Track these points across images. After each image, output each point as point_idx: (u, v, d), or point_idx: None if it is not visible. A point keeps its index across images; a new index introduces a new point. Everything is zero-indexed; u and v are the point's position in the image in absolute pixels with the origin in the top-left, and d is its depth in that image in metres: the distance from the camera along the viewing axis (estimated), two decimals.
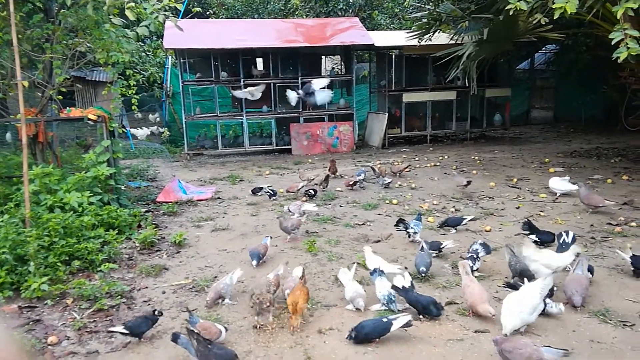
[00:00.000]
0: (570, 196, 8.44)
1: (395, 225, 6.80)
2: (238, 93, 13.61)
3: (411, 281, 4.79)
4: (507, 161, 12.19)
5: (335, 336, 4.29)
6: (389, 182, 9.69)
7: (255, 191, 9.42)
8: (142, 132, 17.02)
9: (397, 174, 10.41)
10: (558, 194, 8.49)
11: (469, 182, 9.14)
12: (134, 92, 8.19)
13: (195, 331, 3.76)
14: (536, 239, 6.26)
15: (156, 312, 4.33)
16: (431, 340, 4.20)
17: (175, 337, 3.93)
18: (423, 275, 5.30)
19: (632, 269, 5.27)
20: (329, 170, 10.55)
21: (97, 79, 16.79)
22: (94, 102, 16.72)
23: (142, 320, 4.26)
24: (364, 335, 4.09)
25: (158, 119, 19.54)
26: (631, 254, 5.31)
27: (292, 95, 13.49)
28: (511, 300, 4.24)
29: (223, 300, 4.95)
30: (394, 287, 4.70)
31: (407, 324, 4.14)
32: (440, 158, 12.87)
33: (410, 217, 7.19)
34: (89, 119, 7.36)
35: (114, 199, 7.52)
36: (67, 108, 8.09)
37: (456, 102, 15.23)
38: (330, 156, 12.89)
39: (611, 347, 4.02)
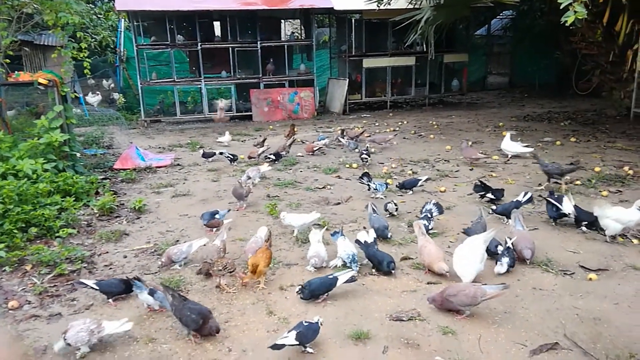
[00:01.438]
0: (520, 157, 8.83)
1: (359, 179, 7.05)
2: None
3: (375, 238, 4.96)
4: (463, 125, 12.52)
5: (296, 292, 4.44)
6: (357, 147, 9.74)
7: (206, 156, 9.39)
8: (94, 99, 16.44)
9: (354, 139, 10.52)
10: (509, 156, 8.86)
11: (395, 134, 10.69)
12: (86, 55, 7.91)
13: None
14: (492, 196, 6.57)
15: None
16: (387, 292, 4.42)
17: (151, 292, 4.00)
18: (389, 237, 5.50)
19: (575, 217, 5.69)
20: (287, 135, 10.58)
21: (45, 43, 15.97)
22: (43, 67, 15.95)
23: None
24: (310, 292, 4.22)
25: (112, 85, 18.87)
26: (574, 204, 5.71)
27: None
28: (462, 253, 4.48)
29: (173, 265, 4.99)
30: (356, 241, 4.91)
31: (351, 279, 4.33)
32: (400, 123, 13.07)
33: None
34: (40, 84, 7.09)
35: (69, 165, 7.37)
36: (16, 72, 7.75)
37: (415, 67, 15.38)
38: (291, 122, 12.87)
39: (552, 293, 4.35)
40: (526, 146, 8.94)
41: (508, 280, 4.54)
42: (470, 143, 9.15)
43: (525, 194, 6.04)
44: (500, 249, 4.80)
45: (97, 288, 4.25)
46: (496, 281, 4.43)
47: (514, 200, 6.04)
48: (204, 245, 5.09)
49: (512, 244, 4.84)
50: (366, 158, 8.74)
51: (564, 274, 4.67)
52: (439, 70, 16.00)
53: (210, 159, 9.37)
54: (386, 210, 6.17)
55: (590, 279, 4.55)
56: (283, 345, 3.47)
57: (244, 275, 4.50)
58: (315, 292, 4.24)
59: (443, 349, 3.59)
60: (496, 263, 4.68)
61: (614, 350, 3.53)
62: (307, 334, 3.50)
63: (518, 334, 3.76)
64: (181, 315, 3.73)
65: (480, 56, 19.46)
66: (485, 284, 4.11)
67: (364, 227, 5.81)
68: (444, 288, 4.09)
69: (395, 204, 6.27)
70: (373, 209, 5.78)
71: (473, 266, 4.38)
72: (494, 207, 6.16)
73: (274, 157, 9.09)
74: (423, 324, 3.92)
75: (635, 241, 5.30)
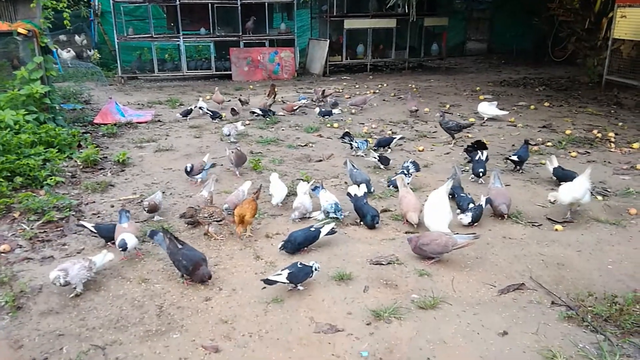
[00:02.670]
0: (496, 120, 9.12)
1: (340, 138, 7.23)
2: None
3: (365, 192, 5.15)
4: (442, 89, 12.72)
5: (281, 239, 4.61)
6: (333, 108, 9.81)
7: (185, 114, 9.36)
8: (67, 55, 15.99)
9: (325, 98, 10.56)
10: (485, 118, 9.13)
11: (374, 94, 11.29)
12: (65, 4, 7.73)
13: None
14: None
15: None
16: (367, 240, 4.68)
17: (152, 234, 4.16)
18: (372, 191, 5.72)
19: (554, 177, 5.98)
20: (268, 94, 10.62)
21: None
22: (14, 19, 15.38)
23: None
24: (297, 245, 4.36)
25: (85, 42, 18.31)
26: (556, 165, 5.96)
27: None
28: (433, 207, 4.71)
29: (155, 213, 5.11)
30: (348, 194, 5.15)
31: (332, 232, 4.53)
32: (380, 86, 13.19)
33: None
34: (19, 33, 6.94)
35: (50, 118, 7.31)
36: None
37: (396, 30, 15.39)
38: (272, 83, 12.84)
39: (520, 241, 4.67)
40: (501, 109, 9.22)
41: (480, 230, 4.84)
42: (411, 95, 10.31)
43: (482, 153, 6.33)
44: (471, 206, 5.04)
45: (96, 231, 4.39)
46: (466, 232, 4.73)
47: (477, 160, 6.28)
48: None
49: (489, 200, 5.10)
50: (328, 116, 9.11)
51: (532, 225, 4.99)
52: (419, 33, 16.05)
53: (189, 117, 9.36)
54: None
55: (556, 229, 4.88)
56: (275, 282, 3.70)
57: (238, 230, 4.61)
58: (301, 245, 4.39)
59: (419, 288, 3.87)
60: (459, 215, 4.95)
61: (575, 290, 3.86)
62: (299, 275, 3.73)
63: (488, 276, 4.07)
64: (174, 260, 3.91)
65: (460, 21, 19.53)
66: (457, 234, 4.39)
67: (345, 182, 6.05)
68: (417, 236, 4.36)
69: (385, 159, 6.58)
70: (352, 165, 5.97)
71: (443, 217, 4.63)
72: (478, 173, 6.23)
73: (261, 113, 9.19)
74: (401, 267, 4.19)
75: (599, 197, 5.65)
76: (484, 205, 5.01)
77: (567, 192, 5.00)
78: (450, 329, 3.39)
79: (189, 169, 5.99)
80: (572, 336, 3.32)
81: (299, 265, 3.78)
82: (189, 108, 9.54)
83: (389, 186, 5.95)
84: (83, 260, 3.74)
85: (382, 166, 6.60)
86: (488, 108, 9.17)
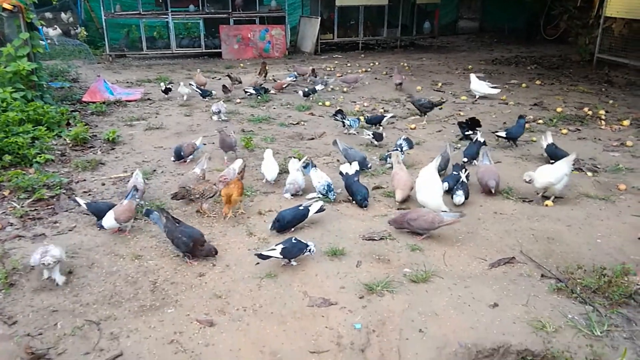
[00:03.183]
0: (488, 98, 9.11)
1: (332, 116, 7.21)
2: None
3: (357, 171, 5.14)
4: (434, 68, 12.66)
5: (273, 216, 4.61)
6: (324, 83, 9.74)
7: (166, 91, 9.24)
8: (54, 33, 15.67)
9: (310, 75, 10.49)
10: (477, 96, 9.12)
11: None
12: None
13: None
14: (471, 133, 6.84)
15: None
16: (359, 217, 4.70)
17: (147, 213, 4.15)
18: (369, 167, 5.75)
19: (546, 154, 6.01)
20: (259, 73, 10.54)
21: None
22: None
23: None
24: (286, 223, 4.35)
25: (71, 19, 17.94)
26: (550, 142, 5.97)
27: None
28: (425, 183, 4.69)
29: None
30: (340, 173, 5.15)
31: (321, 209, 4.52)
32: (371, 64, 13.10)
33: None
34: (4, 9, 6.78)
35: (37, 96, 7.20)
36: None
37: (388, 7, 15.23)
38: (262, 61, 12.70)
39: (511, 217, 4.72)
40: (494, 87, 9.21)
41: (471, 206, 4.88)
42: (398, 69, 10.56)
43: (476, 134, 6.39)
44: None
45: (86, 208, 4.37)
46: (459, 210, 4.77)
47: (472, 142, 6.28)
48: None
49: (477, 178, 5.16)
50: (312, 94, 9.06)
51: (523, 200, 5.05)
52: (412, 11, 15.91)
53: (170, 93, 9.26)
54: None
55: (547, 205, 4.93)
56: (269, 257, 3.72)
57: (225, 210, 4.58)
58: (290, 224, 4.38)
59: (411, 263, 3.91)
60: (452, 197, 4.93)
61: (564, 263, 3.93)
62: (292, 251, 3.75)
63: (479, 251, 4.12)
64: (173, 237, 3.89)
65: None
66: (445, 211, 4.41)
67: (337, 160, 6.05)
68: (406, 211, 4.39)
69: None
70: (345, 146, 5.92)
71: (436, 193, 4.63)
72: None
73: (254, 92, 9.12)
74: (393, 242, 4.22)
75: (589, 174, 5.71)
76: (465, 181, 5.05)
77: (543, 176, 4.94)
78: (441, 301, 3.44)
79: (174, 158, 6.00)
80: (561, 307, 3.38)
81: (294, 241, 3.79)
82: (169, 86, 9.42)
83: (386, 159, 5.93)
84: (47, 246, 3.69)
85: (375, 143, 6.63)
86: (481, 86, 9.15)
